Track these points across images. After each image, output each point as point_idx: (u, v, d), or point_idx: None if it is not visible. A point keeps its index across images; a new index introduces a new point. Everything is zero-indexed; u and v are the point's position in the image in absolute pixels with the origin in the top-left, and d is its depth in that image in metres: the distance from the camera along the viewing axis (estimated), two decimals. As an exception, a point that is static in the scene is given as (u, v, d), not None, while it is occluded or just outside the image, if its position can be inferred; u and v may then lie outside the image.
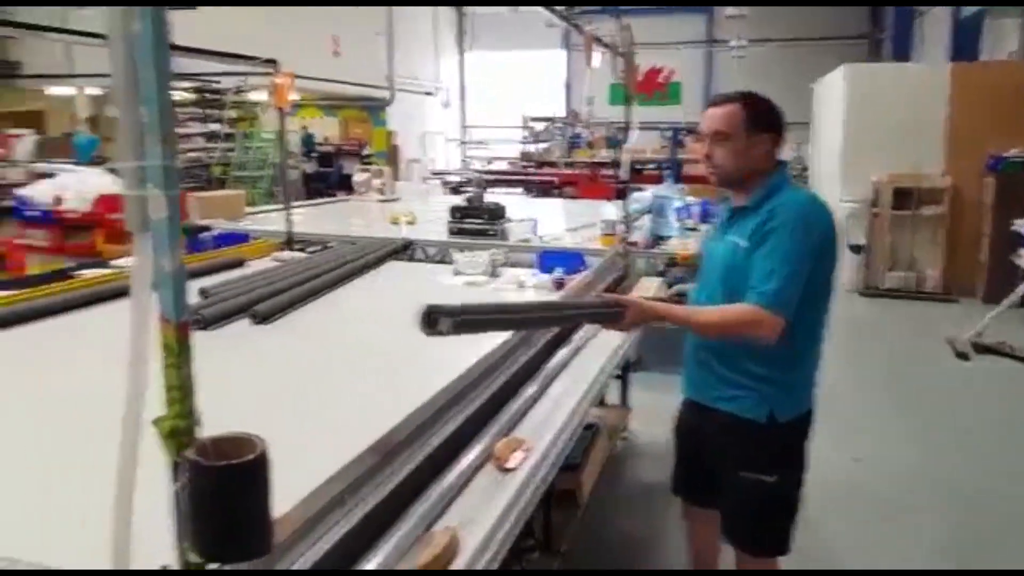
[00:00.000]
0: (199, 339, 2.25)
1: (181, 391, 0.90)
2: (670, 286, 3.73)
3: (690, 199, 6.43)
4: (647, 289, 3.57)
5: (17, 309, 2.91)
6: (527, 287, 3.67)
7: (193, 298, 3.06)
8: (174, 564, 1.03)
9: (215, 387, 2.23)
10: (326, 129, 16.35)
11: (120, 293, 3.31)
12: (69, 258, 4.67)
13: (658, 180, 9.21)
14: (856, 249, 8.62)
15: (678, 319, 2.09)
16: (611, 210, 5.10)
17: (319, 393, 2.21)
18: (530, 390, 2.28)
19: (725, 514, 2.21)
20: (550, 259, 3.94)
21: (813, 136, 11.32)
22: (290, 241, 4.76)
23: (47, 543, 1.35)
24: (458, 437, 1.88)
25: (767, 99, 2.08)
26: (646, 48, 15.45)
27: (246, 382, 2.32)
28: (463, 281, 3.83)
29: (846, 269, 8.67)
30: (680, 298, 2.56)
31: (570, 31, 18.78)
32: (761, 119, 2.05)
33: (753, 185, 2.06)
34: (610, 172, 12.86)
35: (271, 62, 4.65)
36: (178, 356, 0.90)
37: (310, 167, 15.42)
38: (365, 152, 15.59)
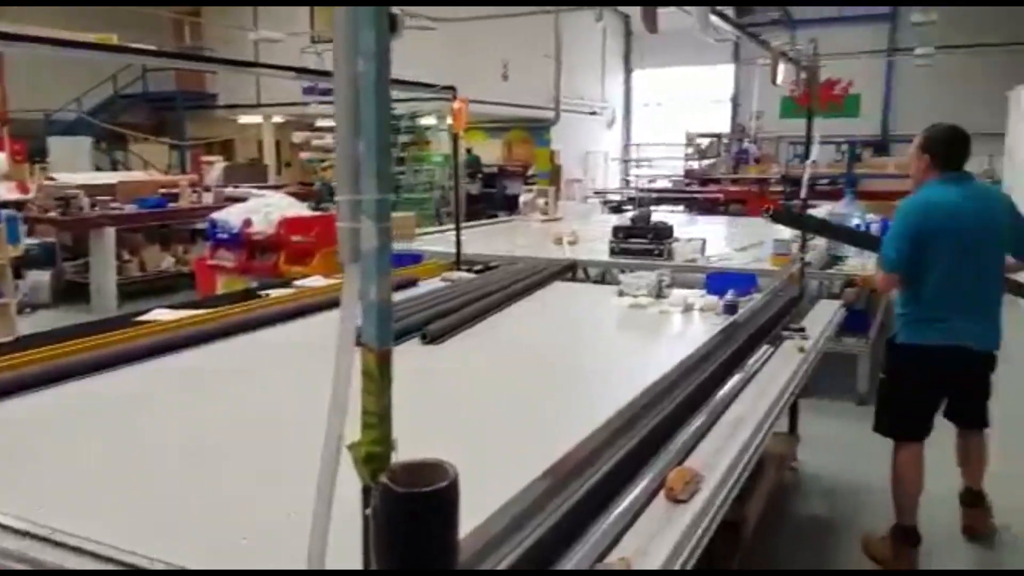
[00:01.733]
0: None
1: (378, 417, 0.94)
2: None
3: (870, 216, 6.04)
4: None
5: (209, 328, 3.12)
6: (695, 309, 3.58)
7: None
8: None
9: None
10: (489, 151, 16.80)
11: (303, 311, 3.55)
12: (254, 278, 4.97)
13: (833, 196, 8.72)
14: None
15: None
16: (784, 229, 4.88)
17: (491, 415, 2.26)
18: (702, 417, 2.21)
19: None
20: (719, 280, 3.82)
21: (1008, 148, 10.28)
22: (458, 262, 4.92)
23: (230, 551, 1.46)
24: (629, 464, 1.85)
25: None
26: (824, 59, 14.70)
27: (417, 403, 2.41)
28: (628, 303, 3.79)
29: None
30: None
31: (739, 45, 18.29)
32: (924, 145, 3.09)
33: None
34: (780, 188, 12.33)
35: (450, 88, 4.84)
36: (379, 383, 0.94)
37: (474, 188, 15.90)
38: (529, 173, 15.88)
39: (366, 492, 0.96)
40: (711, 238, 5.86)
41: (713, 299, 3.61)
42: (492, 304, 3.64)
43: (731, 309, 3.27)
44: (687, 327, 3.38)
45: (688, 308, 3.59)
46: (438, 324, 3.14)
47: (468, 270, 5.01)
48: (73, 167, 11.71)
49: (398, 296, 3.83)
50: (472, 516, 1.34)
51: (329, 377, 0.95)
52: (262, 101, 15.86)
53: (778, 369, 2.75)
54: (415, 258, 5.08)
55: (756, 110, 18.08)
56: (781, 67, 4.21)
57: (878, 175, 12.20)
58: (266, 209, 6.63)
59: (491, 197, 15.50)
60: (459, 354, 2.97)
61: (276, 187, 12.50)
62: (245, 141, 18.52)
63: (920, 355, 3.02)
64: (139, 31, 12.43)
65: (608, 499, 1.71)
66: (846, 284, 5.01)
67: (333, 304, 3.68)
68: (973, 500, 3.34)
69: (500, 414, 2.27)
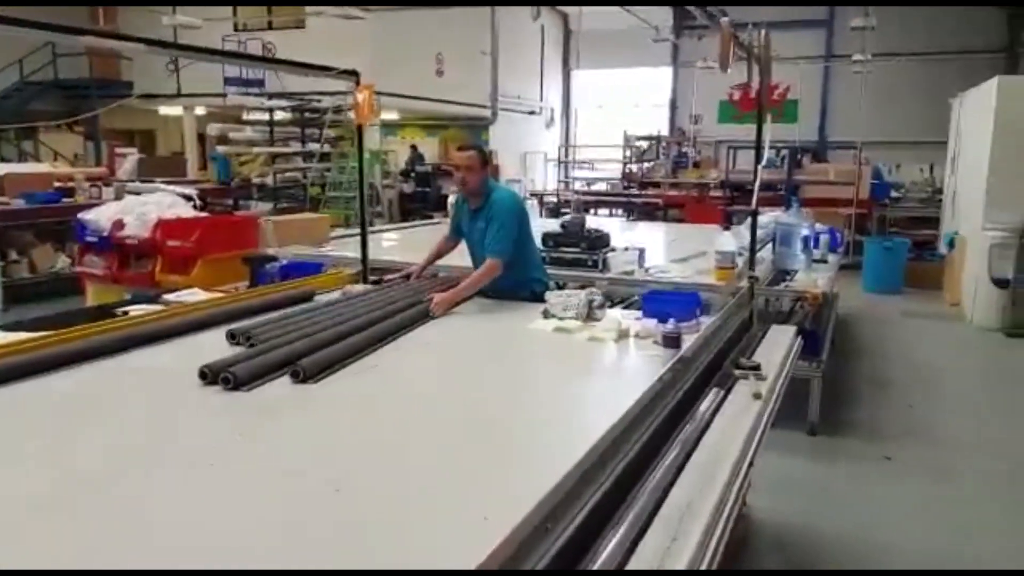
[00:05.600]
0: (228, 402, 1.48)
1: None
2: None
3: (819, 226, 5.64)
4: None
5: (43, 355, 2.51)
6: (630, 336, 3.02)
7: (221, 341, 2.60)
8: None
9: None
10: (425, 150, 16.26)
11: (163, 335, 2.88)
12: (127, 288, 4.25)
13: (773, 204, 8.36)
14: (1002, 284, 7.52)
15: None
16: (728, 239, 4.38)
17: (371, 465, 1.65)
18: (636, 509, 1.64)
19: None
20: (658, 301, 3.26)
21: (951, 156, 10.13)
22: (364, 272, 4.29)
23: None
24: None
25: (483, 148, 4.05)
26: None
27: (280, 462, 1.80)
28: (552, 326, 3.22)
29: (988, 307, 7.60)
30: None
31: (678, 47, 18.06)
32: (484, 159, 3.86)
33: (482, 194, 3.76)
34: (719, 194, 12.01)
35: (351, 73, 4.17)
36: None
37: (408, 187, 15.27)
38: (464, 172, 15.31)
39: None
40: (649, 246, 5.35)
41: (650, 323, 3.06)
42: (386, 330, 3.01)
43: (673, 342, 2.71)
44: (621, 360, 2.82)
45: (622, 335, 3.03)
46: (313, 358, 2.50)
47: (377, 281, 4.38)
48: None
49: (275, 314, 3.18)
50: None
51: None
52: (183, 91, 14.93)
53: (730, 429, 2.18)
54: (314, 267, 4.44)
55: (695, 113, 17.88)
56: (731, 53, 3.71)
57: (819, 182, 11.87)
58: (141, 209, 5.62)
59: (426, 196, 14.89)
60: (341, 392, 2.34)
61: (194, 182, 11.72)
62: (168, 133, 17.52)
63: None
64: (50, 13, 11.44)
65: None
66: (795, 302, 4.58)
67: (200, 326, 3.03)
68: None
69: (386, 461, 1.66)
